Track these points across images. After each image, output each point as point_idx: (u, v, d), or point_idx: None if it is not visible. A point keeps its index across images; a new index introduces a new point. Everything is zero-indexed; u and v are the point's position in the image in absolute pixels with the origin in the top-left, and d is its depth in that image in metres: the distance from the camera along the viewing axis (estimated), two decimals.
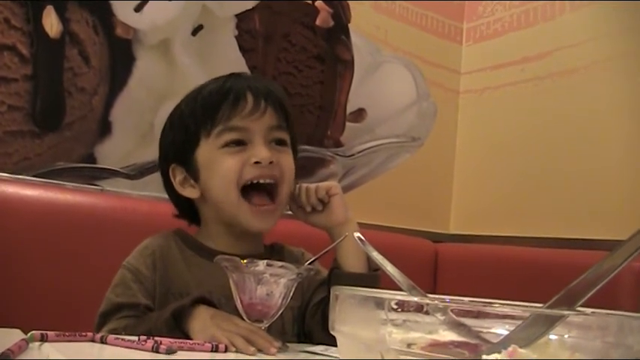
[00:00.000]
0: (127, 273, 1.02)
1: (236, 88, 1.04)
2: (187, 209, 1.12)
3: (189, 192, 1.08)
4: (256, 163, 1.02)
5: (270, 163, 1.02)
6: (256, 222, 1.04)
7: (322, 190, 1.10)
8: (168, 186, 1.10)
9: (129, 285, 1.01)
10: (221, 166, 1.02)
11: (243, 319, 0.88)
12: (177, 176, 1.08)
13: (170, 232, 1.10)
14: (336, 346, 0.53)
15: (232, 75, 1.11)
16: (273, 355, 0.82)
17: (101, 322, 0.98)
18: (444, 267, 1.96)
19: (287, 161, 1.07)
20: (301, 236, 1.16)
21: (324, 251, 0.98)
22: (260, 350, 0.82)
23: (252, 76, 1.12)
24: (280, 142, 1.07)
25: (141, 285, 1.01)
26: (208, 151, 1.04)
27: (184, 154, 1.06)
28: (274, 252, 1.13)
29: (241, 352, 0.81)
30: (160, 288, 1.02)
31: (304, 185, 1.11)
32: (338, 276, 1.05)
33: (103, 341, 0.79)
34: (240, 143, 1.03)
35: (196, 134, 1.05)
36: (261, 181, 1.03)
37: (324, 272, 1.10)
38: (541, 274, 1.64)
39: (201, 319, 0.89)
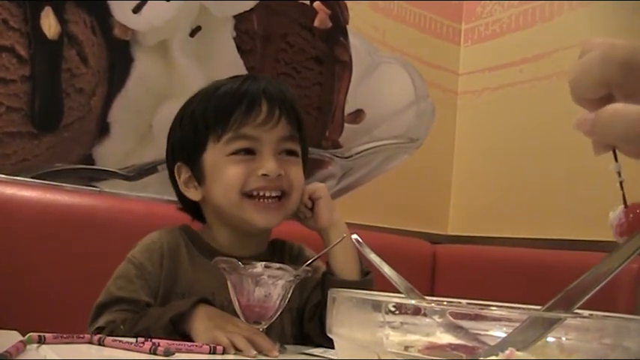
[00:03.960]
0: (132, 267, 1.01)
1: (251, 92, 1.02)
2: (192, 207, 1.11)
3: (192, 193, 1.07)
4: (264, 175, 1.00)
5: (279, 176, 1.01)
6: (260, 217, 1.02)
7: (305, 196, 1.09)
8: (173, 181, 1.09)
9: (131, 280, 0.99)
10: (225, 173, 1.01)
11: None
12: (182, 175, 1.07)
13: (177, 228, 1.08)
14: (334, 348, 0.53)
15: (249, 77, 1.09)
16: (274, 357, 0.82)
17: (98, 313, 0.97)
18: (442, 268, 1.96)
19: (296, 173, 1.05)
20: (301, 236, 1.16)
21: (320, 254, 0.98)
22: (260, 352, 0.82)
23: (268, 80, 1.09)
24: (290, 153, 1.06)
25: (144, 282, 1.00)
26: (215, 156, 1.03)
27: (191, 154, 1.05)
28: (275, 249, 1.13)
29: (241, 354, 0.81)
30: (164, 286, 1.01)
31: None
32: (331, 282, 1.04)
33: (100, 343, 0.79)
34: (249, 152, 1.02)
35: (205, 137, 1.03)
36: (267, 193, 1.01)
37: (323, 269, 1.10)
38: (539, 275, 1.64)
39: (202, 320, 0.88)
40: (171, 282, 1.02)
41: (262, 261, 0.88)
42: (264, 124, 1.02)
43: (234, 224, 1.05)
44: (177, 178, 1.07)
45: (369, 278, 1.06)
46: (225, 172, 1.01)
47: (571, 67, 0.46)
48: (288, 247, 1.15)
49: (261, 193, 1.01)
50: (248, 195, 1.01)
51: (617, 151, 0.46)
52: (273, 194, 1.02)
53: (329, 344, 0.90)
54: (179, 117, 1.09)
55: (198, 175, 1.05)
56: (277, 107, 1.03)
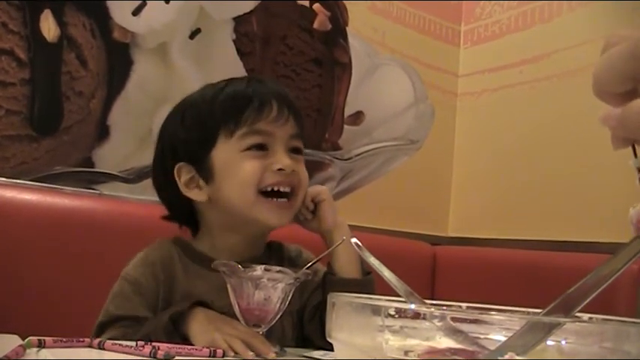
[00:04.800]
0: (127, 285, 1.00)
1: (261, 93, 1.03)
2: (184, 212, 1.09)
3: (195, 194, 1.04)
4: (279, 170, 1.00)
5: (293, 171, 1.01)
6: (274, 216, 1.01)
7: (309, 198, 1.09)
8: (167, 186, 1.06)
9: (129, 297, 0.99)
10: (242, 169, 1.00)
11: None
12: (184, 176, 1.04)
13: (169, 241, 1.07)
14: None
15: (253, 79, 1.10)
16: (271, 359, 0.82)
17: (99, 332, 0.97)
18: (442, 270, 1.96)
19: (303, 170, 1.06)
20: (302, 238, 1.16)
21: (320, 256, 0.98)
22: (258, 355, 0.82)
23: (272, 83, 1.11)
24: (297, 151, 1.06)
25: (142, 297, 0.99)
26: (227, 153, 1.02)
27: (198, 153, 1.03)
28: (272, 251, 1.13)
29: (239, 357, 0.81)
30: (162, 300, 1.00)
31: None
32: (332, 282, 1.04)
33: (100, 347, 0.79)
34: (262, 148, 1.01)
35: (215, 134, 1.02)
36: (282, 188, 1.01)
37: (323, 271, 1.09)
38: (539, 276, 1.64)
39: (201, 322, 0.88)
40: (168, 296, 1.01)
41: (260, 263, 0.87)
42: (276, 120, 1.02)
43: (239, 225, 1.04)
44: (177, 179, 1.05)
45: (370, 277, 1.06)
46: (240, 167, 1.00)
47: (596, 60, 0.45)
48: (285, 249, 1.15)
49: (275, 189, 1.01)
50: (262, 193, 1.01)
51: (637, 146, 0.45)
52: (287, 189, 1.02)
53: (330, 347, 0.90)
54: (180, 118, 1.07)
55: (206, 174, 1.03)
56: (286, 106, 1.04)
